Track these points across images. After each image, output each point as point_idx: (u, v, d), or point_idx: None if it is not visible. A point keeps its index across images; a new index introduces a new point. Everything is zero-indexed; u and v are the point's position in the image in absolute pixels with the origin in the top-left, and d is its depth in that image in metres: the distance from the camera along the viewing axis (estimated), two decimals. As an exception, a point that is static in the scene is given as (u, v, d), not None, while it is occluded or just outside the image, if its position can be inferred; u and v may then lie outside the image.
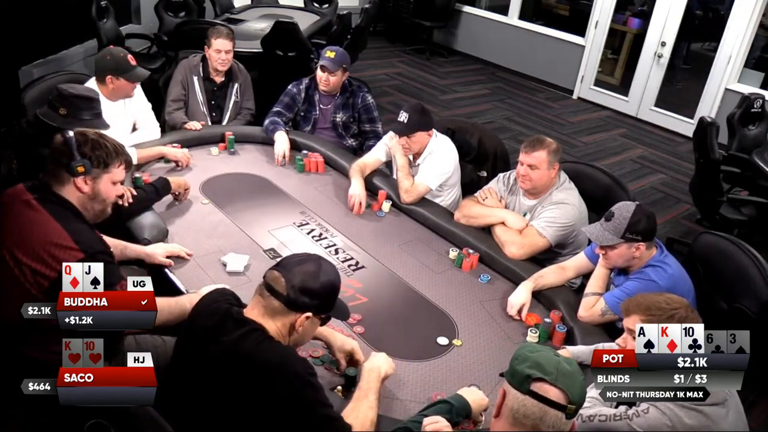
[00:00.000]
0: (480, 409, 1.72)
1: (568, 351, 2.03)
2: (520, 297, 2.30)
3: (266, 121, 3.44)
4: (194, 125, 3.39)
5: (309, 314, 1.61)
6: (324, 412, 1.54)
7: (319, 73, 3.43)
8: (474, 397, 1.72)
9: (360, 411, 1.65)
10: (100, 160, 1.84)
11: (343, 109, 3.52)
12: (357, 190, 2.91)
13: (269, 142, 3.41)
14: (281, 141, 3.29)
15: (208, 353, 1.56)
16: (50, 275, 1.69)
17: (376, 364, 1.78)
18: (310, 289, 1.59)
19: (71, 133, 1.82)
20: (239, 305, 1.66)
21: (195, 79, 3.61)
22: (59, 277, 1.51)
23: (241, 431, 1.54)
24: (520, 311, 2.27)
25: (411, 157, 3.02)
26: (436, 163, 2.94)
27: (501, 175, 2.87)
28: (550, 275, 2.40)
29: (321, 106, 3.53)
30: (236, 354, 1.53)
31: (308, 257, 1.67)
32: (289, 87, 3.55)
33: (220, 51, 3.50)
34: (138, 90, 3.20)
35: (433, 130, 2.99)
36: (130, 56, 3.03)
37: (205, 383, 1.55)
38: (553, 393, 1.27)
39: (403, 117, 2.89)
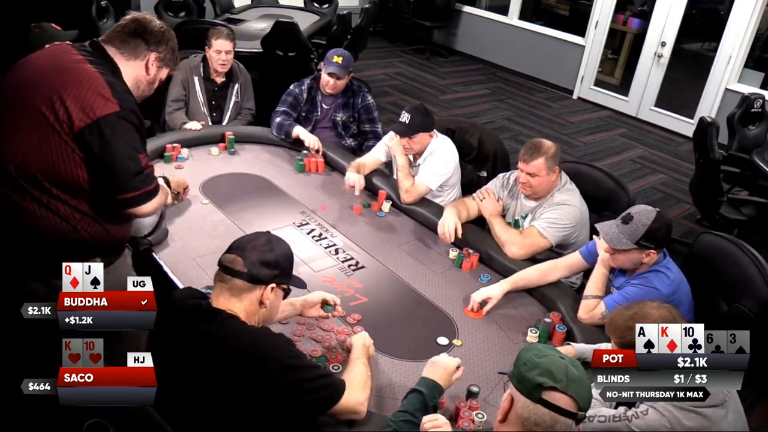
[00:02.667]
0: (450, 377, 1.76)
1: (573, 348, 2.02)
2: (489, 293, 2.29)
3: (277, 119, 3.42)
4: (194, 126, 3.39)
5: (273, 285, 1.66)
6: (314, 373, 1.60)
7: (325, 77, 3.40)
8: (440, 373, 1.75)
9: (356, 365, 1.77)
10: (175, 56, 1.96)
11: (344, 108, 3.52)
12: (353, 176, 2.92)
13: (269, 142, 3.42)
14: (306, 133, 3.34)
15: (188, 348, 1.57)
16: (80, 124, 1.68)
17: (364, 341, 1.91)
18: (268, 260, 1.65)
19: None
20: (207, 299, 1.69)
21: (195, 79, 3.61)
22: (89, 125, 1.65)
23: (239, 416, 1.55)
24: (482, 306, 2.27)
25: (411, 157, 3.02)
26: (437, 163, 2.94)
27: (501, 175, 2.86)
28: (533, 276, 2.39)
29: (323, 106, 3.53)
30: (218, 344, 1.55)
31: (257, 234, 1.72)
32: (291, 87, 3.55)
33: (220, 51, 3.51)
34: None
35: (435, 131, 2.99)
36: (53, 24, 3.04)
37: (190, 378, 1.57)
38: (564, 401, 1.27)
39: (405, 118, 2.89)
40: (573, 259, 2.43)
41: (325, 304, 2.07)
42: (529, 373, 1.29)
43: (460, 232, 2.61)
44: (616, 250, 2.17)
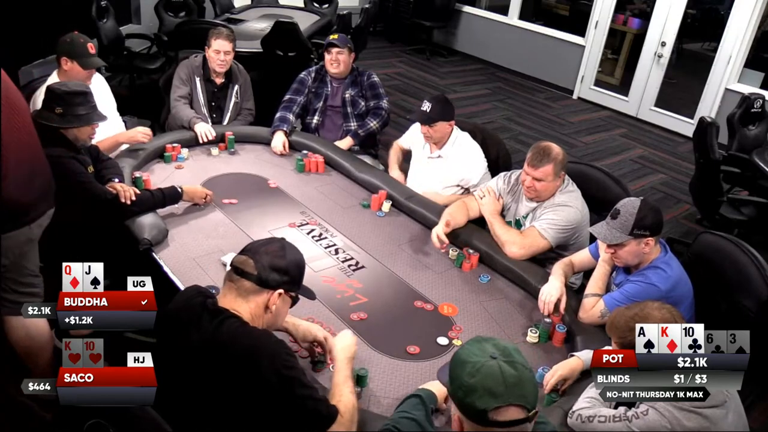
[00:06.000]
0: (443, 397, 1.74)
1: (581, 360, 1.93)
2: (555, 289, 2.24)
3: (277, 114, 3.53)
4: (205, 131, 3.32)
5: (281, 291, 1.65)
6: (307, 392, 1.57)
7: (328, 56, 3.54)
8: (438, 387, 1.74)
9: (344, 395, 1.67)
10: None
11: (352, 86, 3.64)
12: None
13: (269, 142, 3.42)
14: (278, 139, 3.39)
15: (188, 346, 1.57)
16: None
17: (352, 351, 1.81)
18: (279, 266, 1.64)
19: None
20: (213, 297, 1.68)
21: (197, 79, 3.60)
22: None
23: (232, 419, 1.54)
24: (556, 307, 2.22)
25: (429, 147, 3.12)
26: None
27: (503, 174, 2.86)
28: (567, 268, 2.40)
29: (333, 84, 3.64)
30: (215, 343, 1.55)
31: (271, 239, 1.73)
32: (299, 75, 3.69)
33: (219, 52, 3.49)
34: (103, 84, 3.21)
35: (454, 123, 3.09)
36: (90, 44, 3.00)
37: (189, 376, 1.57)
38: (512, 413, 1.23)
39: (426, 107, 2.97)
40: (583, 256, 2.44)
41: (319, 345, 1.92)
42: (468, 399, 1.23)
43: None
44: (616, 247, 2.17)
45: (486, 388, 1.22)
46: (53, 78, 2.99)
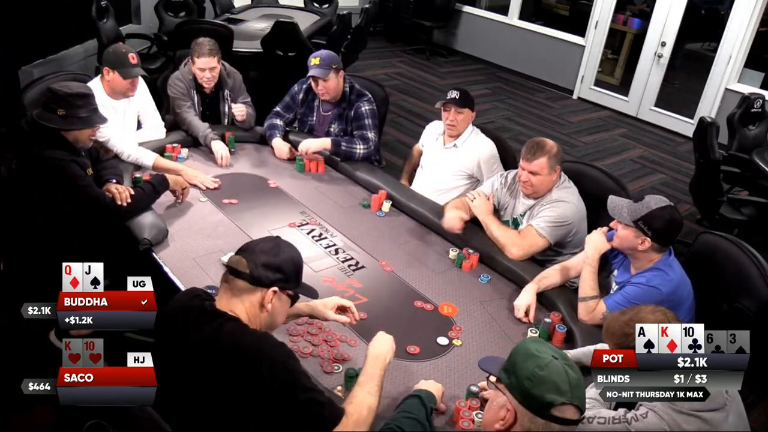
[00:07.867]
0: (440, 396, 1.78)
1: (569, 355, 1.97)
2: (525, 299, 2.29)
3: (267, 122, 3.45)
4: (223, 157, 3.20)
5: (275, 289, 1.64)
6: (309, 396, 1.54)
7: (314, 85, 3.31)
8: (434, 387, 1.77)
9: (357, 396, 1.65)
10: None
11: (338, 120, 3.39)
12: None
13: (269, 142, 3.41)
14: (280, 146, 3.33)
15: (187, 348, 1.57)
16: None
17: (383, 351, 1.78)
18: (272, 263, 1.63)
19: None
20: (211, 300, 1.68)
21: (192, 92, 3.51)
22: None
23: (232, 422, 1.54)
24: (527, 313, 2.26)
25: (443, 140, 3.17)
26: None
27: (499, 174, 2.87)
28: (554, 276, 2.40)
29: (321, 112, 3.45)
30: (216, 346, 1.54)
31: (267, 238, 1.75)
32: (294, 86, 3.50)
33: (204, 70, 3.35)
34: (143, 88, 3.18)
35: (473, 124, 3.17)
36: (132, 54, 2.97)
37: (188, 378, 1.56)
38: (571, 412, 1.27)
39: (454, 94, 3.10)
40: (581, 259, 2.41)
41: (341, 310, 1.98)
42: (536, 390, 1.26)
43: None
44: (618, 223, 2.18)
45: (554, 384, 1.26)
46: (95, 84, 2.96)
